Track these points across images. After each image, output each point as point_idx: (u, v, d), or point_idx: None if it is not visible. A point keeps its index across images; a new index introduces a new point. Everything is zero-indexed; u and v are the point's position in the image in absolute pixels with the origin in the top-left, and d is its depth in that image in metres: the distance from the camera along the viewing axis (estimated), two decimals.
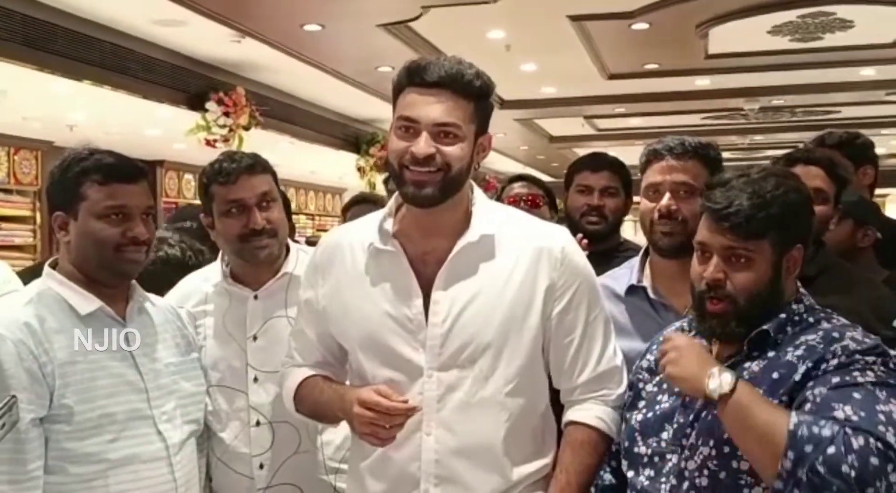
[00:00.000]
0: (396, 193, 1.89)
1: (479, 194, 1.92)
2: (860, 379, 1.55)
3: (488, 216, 1.88)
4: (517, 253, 1.86)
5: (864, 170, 3.17)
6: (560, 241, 1.90)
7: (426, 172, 1.77)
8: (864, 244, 2.78)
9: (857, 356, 1.59)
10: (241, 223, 2.25)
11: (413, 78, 1.79)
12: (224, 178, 2.25)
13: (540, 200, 3.29)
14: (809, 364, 1.61)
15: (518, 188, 3.36)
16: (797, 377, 1.61)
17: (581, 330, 1.89)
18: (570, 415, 1.93)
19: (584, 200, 2.96)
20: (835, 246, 2.62)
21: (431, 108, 1.76)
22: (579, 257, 1.92)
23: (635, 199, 3.09)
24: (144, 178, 2.06)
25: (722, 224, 1.71)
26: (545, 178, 15.73)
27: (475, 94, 1.79)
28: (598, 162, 3.06)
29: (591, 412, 1.91)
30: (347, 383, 2.01)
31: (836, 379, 1.56)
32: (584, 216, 2.91)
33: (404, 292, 1.85)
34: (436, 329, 1.82)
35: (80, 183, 1.98)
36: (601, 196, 2.95)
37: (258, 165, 2.29)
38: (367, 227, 1.92)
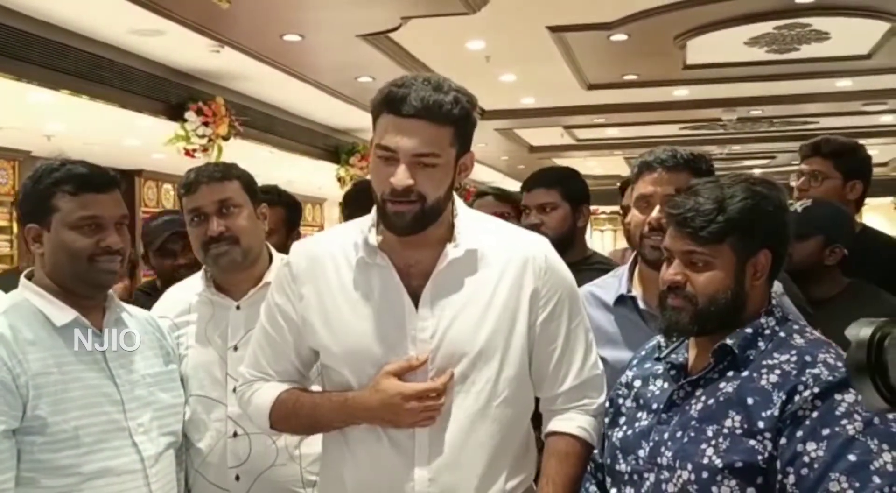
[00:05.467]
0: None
1: (460, 205, 1.91)
2: (850, 429, 1.54)
3: (472, 228, 1.87)
4: (503, 263, 1.86)
5: (853, 184, 3.11)
6: (543, 250, 1.91)
7: (404, 203, 1.75)
8: (830, 262, 2.73)
9: (837, 397, 1.57)
10: (201, 231, 2.27)
11: (391, 107, 1.75)
12: (185, 189, 2.31)
13: (508, 216, 3.28)
14: (783, 396, 1.60)
15: (486, 206, 3.34)
16: (776, 412, 1.60)
17: (564, 338, 1.90)
18: (552, 425, 1.92)
19: (525, 221, 2.99)
20: (801, 262, 2.59)
21: (409, 139, 1.73)
22: (561, 266, 1.93)
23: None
24: (117, 187, 2.05)
25: (680, 229, 1.72)
26: None
27: (453, 120, 1.76)
28: (530, 181, 3.10)
29: (573, 422, 1.90)
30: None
31: (825, 431, 1.55)
32: None
33: (396, 307, 1.82)
34: (425, 345, 1.81)
35: (52, 194, 1.97)
36: (537, 214, 2.98)
37: (219, 173, 2.30)
38: (349, 238, 1.89)
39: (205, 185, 2.28)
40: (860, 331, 1.04)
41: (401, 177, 1.73)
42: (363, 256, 1.84)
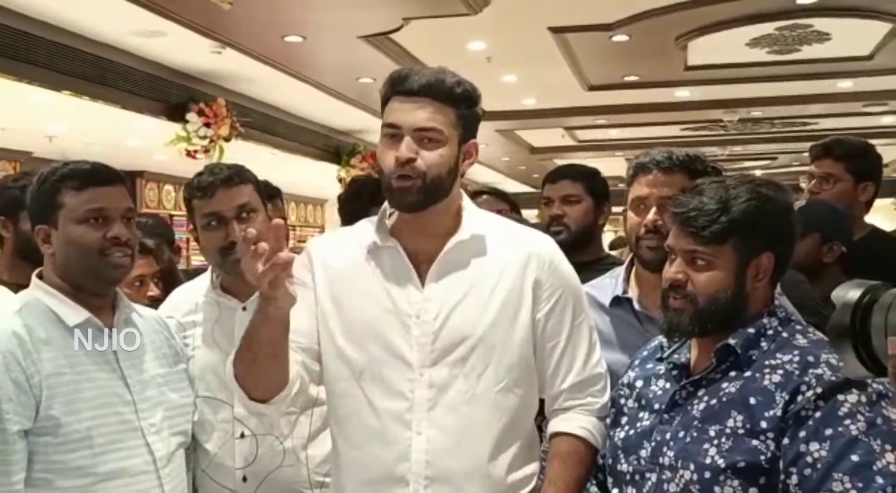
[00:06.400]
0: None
1: (468, 201, 1.95)
2: (852, 430, 1.55)
3: (478, 220, 1.92)
4: (507, 254, 1.89)
5: (864, 186, 3.10)
6: (548, 246, 1.94)
7: (407, 177, 1.80)
8: (829, 260, 2.76)
9: (840, 398, 1.58)
10: (220, 236, 2.25)
11: (396, 87, 1.83)
12: (201, 192, 2.27)
13: (505, 214, 3.30)
14: (786, 397, 1.61)
15: (485, 204, 3.36)
16: (778, 412, 1.60)
17: (566, 335, 1.91)
18: (555, 426, 1.93)
19: (547, 211, 3.03)
20: (799, 261, 2.59)
21: (413, 113, 1.80)
22: (565, 264, 1.96)
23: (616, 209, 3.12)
24: (121, 181, 2.05)
25: (683, 228, 1.73)
26: (526, 189, 15.68)
27: (456, 100, 1.83)
28: (557, 173, 3.13)
29: (576, 423, 1.91)
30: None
31: (828, 431, 1.56)
32: (549, 228, 2.94)
33: (405, 286, 1.86)
34: (427, 326, 1.83)
35: (57, 191, 1.98)
36: (560, 205, 3.00)
37: (236, 177, 2.29)
38: (363, 229, 1.95)
39: (223, 189, 2.25)
40: (847, 293, 1.00)
41: (403, 149, 1.79)
42: (375, 240, 1.88)
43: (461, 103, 1.84)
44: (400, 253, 1.87)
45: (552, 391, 1.94)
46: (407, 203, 1.83)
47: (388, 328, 1.84)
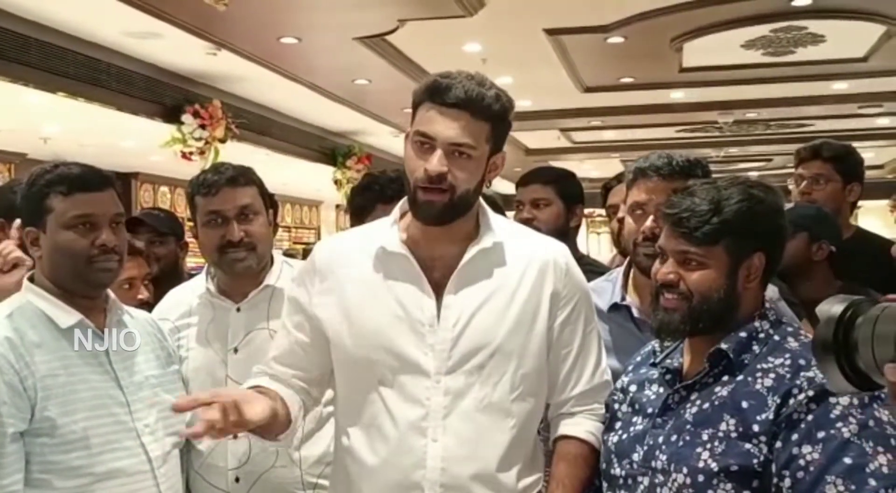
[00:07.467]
0: (401, 201, 1.90)
1: (485, 206, 1.94)
2: (845, 432, 1.55)
3: (496, 226, 1.91)
4: (525, 262, 1.88)
5: (851, 187, 3.18)
6: (564, 254, 1.94)
7: (435, 191, 1.78)
8: (818, 258, 2.79)
9: (832, 400, 1.58)
10: (219, 234, 2.26)
11: (433, 96, 1.78)
12: (206, 189, 2.28)
13: None
14: (778, 400, 1.61)
15: None
16: (770, 416, 1.60)
17: (579, 343, 1.91)
18: (561, 429, 1.93)
19: (518, 216, 3.01)
20: (789, 259, 2.61)
21: (448, 127, 1.76)
22: (579, 272, 1.96)
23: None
24: (110, 186, 2.04)
25: (675, 229, 1.72)
26: None
27: (493, 116, 1.80)
28: (527, 177, 3.12)
29: (581, 427, 1.92)
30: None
31: (821, 434, 1.56)
32: None
33: (416, 294, 1.84)
34: (446, 333, 1.82)
35: (46, 195, 1.97)
36: (529, 208, 3.00)
37: (241, 178, 2.30)
38: (372, 233, 1.92)
39: (227, 188, 2.27)
40: (832, 308, 0.99)
41: (435, 163, 1.76)
42: (385, 246, 1.86)
43: (496, 119, 1.81)
44: (410, 261, 1.85)
45: (561, 398, 1.94)
46: (432, 216, 1.80)
47: (400, 336, 1.82)
